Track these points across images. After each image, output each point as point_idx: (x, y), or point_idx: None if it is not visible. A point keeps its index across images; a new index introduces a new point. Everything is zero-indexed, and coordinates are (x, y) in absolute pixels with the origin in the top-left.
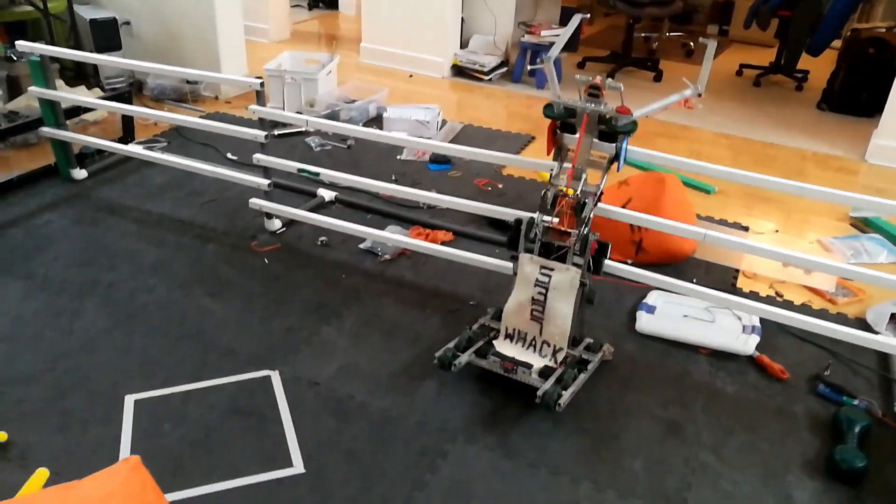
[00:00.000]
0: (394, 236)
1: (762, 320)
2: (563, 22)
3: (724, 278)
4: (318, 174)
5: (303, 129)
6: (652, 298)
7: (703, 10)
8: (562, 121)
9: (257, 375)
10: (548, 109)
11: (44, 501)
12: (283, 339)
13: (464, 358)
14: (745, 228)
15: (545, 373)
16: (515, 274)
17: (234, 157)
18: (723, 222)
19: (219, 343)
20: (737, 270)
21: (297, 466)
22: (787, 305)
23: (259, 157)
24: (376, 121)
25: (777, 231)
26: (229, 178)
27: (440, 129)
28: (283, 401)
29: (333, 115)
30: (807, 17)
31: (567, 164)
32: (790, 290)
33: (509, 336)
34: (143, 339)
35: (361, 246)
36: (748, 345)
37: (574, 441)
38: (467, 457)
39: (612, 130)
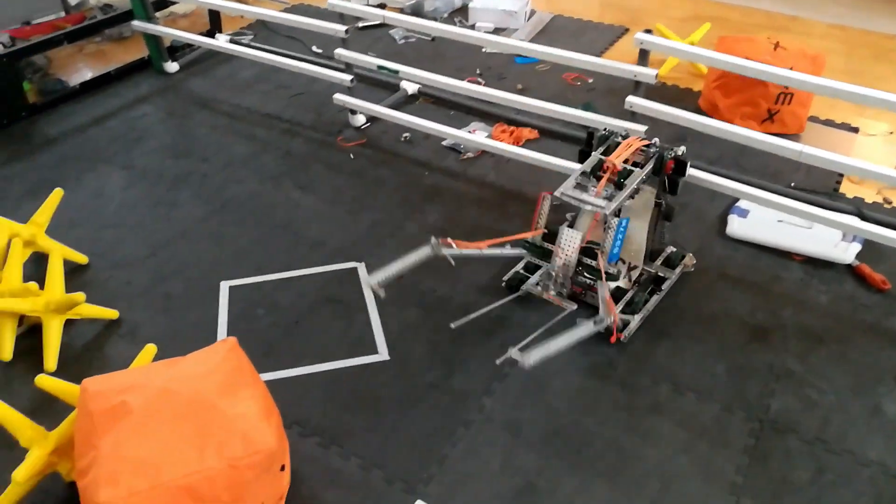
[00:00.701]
0: (475, 138)
1: None
2: None
3: (826, 181)
4: (397, 72)
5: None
6: (745, 202)
7: None
8: None
9: (344, 267)
10: None
11: (151, 373)
12: (369, 233)
13: (531, 283)
14: (855, 130)
15: (616, 296)
16: None
17: (319, 50)
18: (830, 123)
19: (307, 235)
20: (840, 175)
21: (382, 353)
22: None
23: (340, 53)
24: (462, 11)
25: (892, 133)
26: (313, 73)
27: (528, 19)
28: (369, 291)
29: (418, 6)
30: None
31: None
32: None
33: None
34: (235, 228)
35: (444, 143)
36: (847, 253)
37: (655, 343)
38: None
39: None
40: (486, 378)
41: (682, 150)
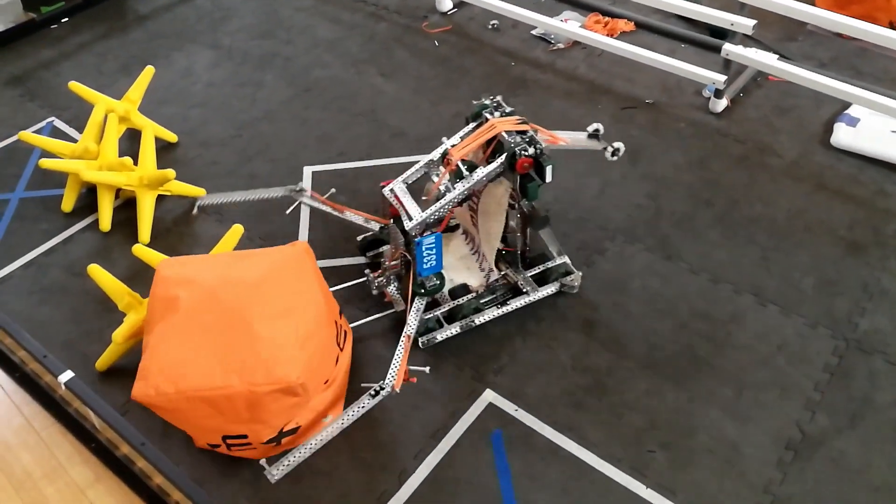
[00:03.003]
0: (567, 27)
1: None
2: None
3: None
4: None
5: None
6: (856, 109)
7: None
8: None
9: (425, 158)
10: None
11: (217, 266)
12: (451, 124)
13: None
14: None
15: (456, 292)
16: None
17: None
18: None
19: (389, 123)
20: None
21: None
22: None
23: None
24: None
25: None
26: None
27: None
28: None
29: None
30: None
31: None
32: None
33: (464, 233)
34: (319, 112)
35: (533, 32)
36: None
37: (742, 252)
38: (625, 255)
39: None
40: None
41: (542, 147)
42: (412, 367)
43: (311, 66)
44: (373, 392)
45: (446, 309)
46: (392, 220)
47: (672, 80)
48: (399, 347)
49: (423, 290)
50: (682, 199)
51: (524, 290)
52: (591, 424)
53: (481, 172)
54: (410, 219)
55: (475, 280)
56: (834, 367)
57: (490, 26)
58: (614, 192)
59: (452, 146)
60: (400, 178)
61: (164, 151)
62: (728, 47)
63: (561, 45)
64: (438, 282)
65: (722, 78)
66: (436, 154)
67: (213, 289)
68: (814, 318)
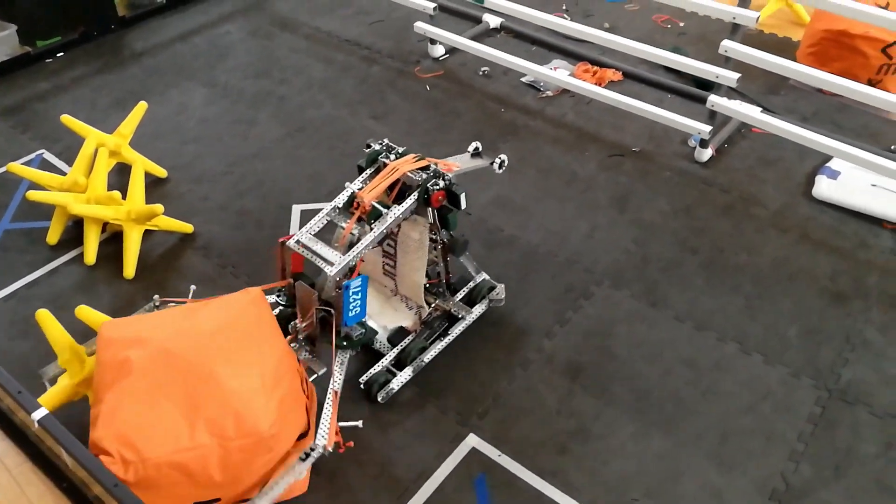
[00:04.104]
0: (557, 75)
1: None
2: None
3: None
4: (482, 0)
5: None
6: (837, 162)
7: None
8: None
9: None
10: None
11: (165, 323)
12: None
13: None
14: None
15: (395, 338)
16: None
17: None
18: None
19: None
20: None
21: None
22: None
23: None
24: None
25: None
26: None
27: None
28: None
29: None
30: None
31: None
32: None
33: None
34: (311, 151)
35: (523, 80)
36: None
37: (727, 300)
38: (612, 301)
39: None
40: (549, 321)
41: (450, 178)
42: (343, 424)
43: (305, 105)
44: (302, 456)
45: (393, 357)
46: (293, 279)
47: (659, 129)
48: (327, 405)
49: (349, 342)
50: (668, 246)
51: (460, 316)
52: (575, 470)
53: (397, 210)
54: (331, 264)
55: (408, 321)
56: (817, 418)
57: (481, 73)
58: (602, 236)
59: (359, 190)
60: (304, 229)
61: (155, 186)
62: (713, 99)
63: (550, 93)
64: (363, 331)
65: (707, 128)
66: (340, 200)
67: (167, 344)
68: (797, 368)
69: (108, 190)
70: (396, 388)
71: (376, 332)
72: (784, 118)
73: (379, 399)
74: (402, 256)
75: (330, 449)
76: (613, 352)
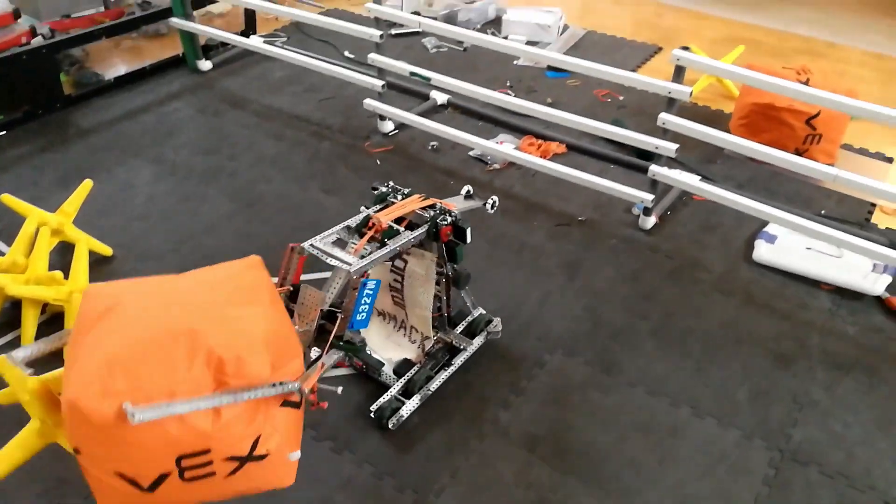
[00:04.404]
0: (503, 149)
1: None
2: None
3: (857, 211)
4: (429, 79)
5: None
6: (773, 227)
7: None
8: None
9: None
10: None
11: (160, 279)
12: None
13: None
14: (889, 160)
15: (401, 370)
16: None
17: (352, 56)
18: (864, 151)
19: None
20: (873, 205)
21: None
22: None
23: (373, 58)
24: (495, 23)
25: None
26: (344, 77)
27: (561, 34)
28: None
29: (452, 15)
30: None
31: None
32: None
33: (381, 314)
34: (261, 226)
35: (471, 153)
36: (877, 285)
37: (678, 364)
38: (566, 369)
39: None
40: (504, 392)
41: (457, 214)
42: (323, 387)
43: (255, 181)
44: (276, 384)
45: (401, 386)
46: (292, 288)
47: (604, 198)
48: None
49: (350, 347)
50: (618, 313)
51: (461, 347)
52: None
53: (410, 234)
54: (349, 263)
55: (411, 353)
56: (772, 480)
57: (430, 147)
58: (553, 305)
59: (376, 212)
60: (316, 238)
61: (100, 265)
62: (654, 169)
63: (497, 166)
64: (364, 339)
65: (650, 197)
66: (353, 221)
67: (159, 290)
68: (750, 430)
69: (50, 270)
70: (406, 416)
71: (383, 364)
72: (722, 186)
73: (390, 426)
74: (409, 290)
75: (306, 390)
76: (569, 420)
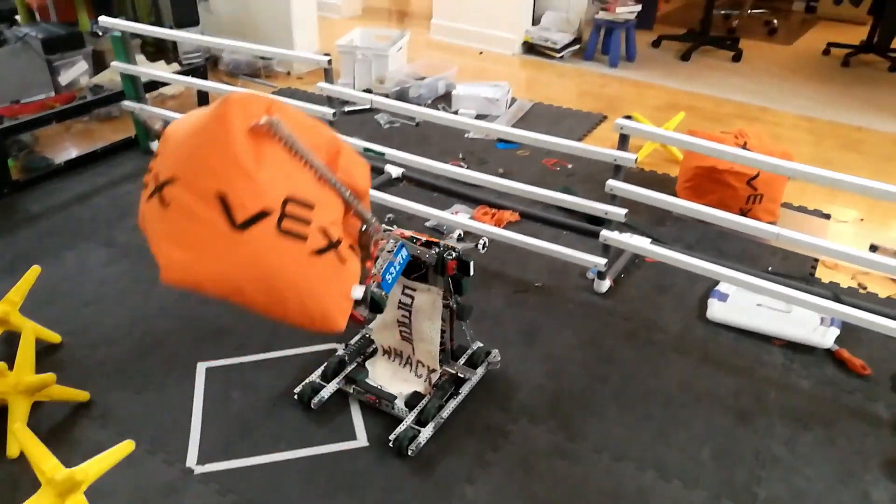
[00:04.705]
0: (458, 219)
1: None
2: None
3: (802, 267)
4: (383, 154)
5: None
6: (724, 286)
7: None
8: None
9: (324, 348)
10: None
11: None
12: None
13: (326, 391)
14: (827, 216)
15: (412, 402)
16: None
17: None
18: (803, 209)
19: None
20: (816, 259)
21: (361, 440)
22: (871, 298)
23: None
24: (445, 98)
25: (862, 220)
26: None
27: (509, 106)
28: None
29: (403, 92)
30: None
31: None
32: (875, 281)
33: (386, 353)
34: (215, 307)
35: (427, 224)
36: (826, 338)
37: (641, 427)
38: (530, 438)
39: None
40: (469, 465)
41: (460, 248)
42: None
43: None
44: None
45: (414, 416)
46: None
47: (558, 263)
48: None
49: (369, 300)
50: (579, 378)
51: (465, 378)
52: None
53: (425, 250)
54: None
55: (419, 387)
56: None
57: (387, 219)
58: (514, 372)
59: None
60: None
61: (47, 353)
62: (605, 233)
63: (454, 236)
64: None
65: (603, 261)
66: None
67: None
68: (716, 490)
69: None
70: (423, 442)
71: (395, 397)
72: (672, 248)
73: (409, 453)
74: (416, 324)
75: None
76: (536, 491)
